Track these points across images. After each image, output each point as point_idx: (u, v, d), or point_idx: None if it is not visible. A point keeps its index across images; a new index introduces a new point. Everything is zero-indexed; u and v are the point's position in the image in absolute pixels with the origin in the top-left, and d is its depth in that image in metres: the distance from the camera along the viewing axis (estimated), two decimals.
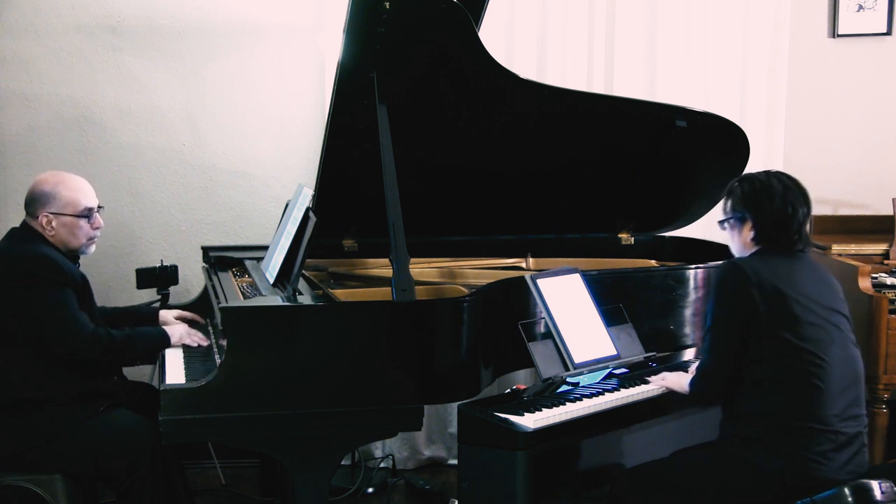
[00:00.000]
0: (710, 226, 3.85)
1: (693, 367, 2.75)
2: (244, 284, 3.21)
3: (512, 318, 2.73)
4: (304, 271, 2.94)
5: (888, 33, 4.18)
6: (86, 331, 2.73)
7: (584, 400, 2.64)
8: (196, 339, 2.97)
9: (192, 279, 3.95)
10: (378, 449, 4.05)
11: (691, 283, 3.12)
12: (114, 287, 3.97)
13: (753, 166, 3.23)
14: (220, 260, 3.53)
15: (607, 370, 2.79)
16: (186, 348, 2.94)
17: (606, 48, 4.08)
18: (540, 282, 2.74)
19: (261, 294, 2.90)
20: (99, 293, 3.16)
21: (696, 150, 3.43)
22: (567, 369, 2.64)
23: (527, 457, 2.42)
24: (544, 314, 2.70)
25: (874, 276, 3.44)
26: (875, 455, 3.28)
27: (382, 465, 3.96)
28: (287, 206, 3.24)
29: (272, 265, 3.01)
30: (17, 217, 3.14)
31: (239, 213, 4.05)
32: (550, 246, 3.67)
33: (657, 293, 3.07)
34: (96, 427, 2.75)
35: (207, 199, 4.03)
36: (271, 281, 2.94)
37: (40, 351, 2.73)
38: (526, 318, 2.79)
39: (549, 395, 2.65)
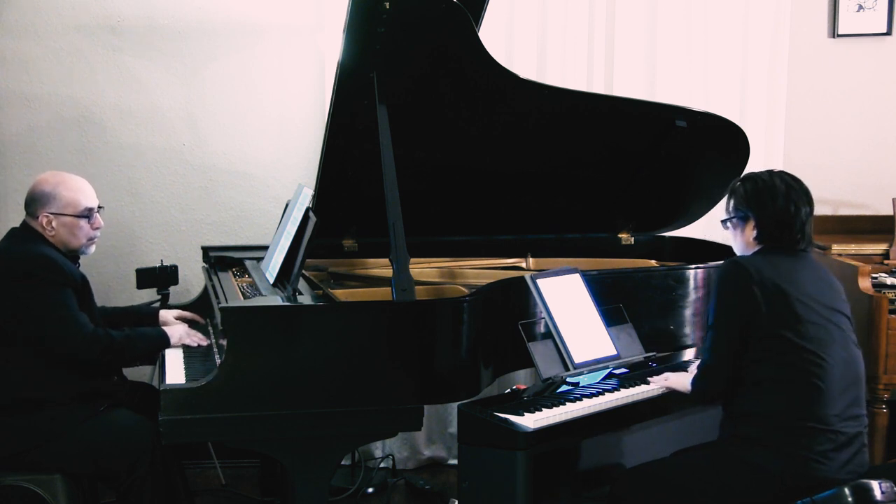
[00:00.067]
0: (709, 226, 3.86)
1: (694, 367, 2.75)
2: (244, 284, 3.21)
3: (512, 318, 2.73)
4: (304, 271, 2.94)
5: (888, 33, 4.18)
6: (86, 331, 2.73)
7: (584, 400, 2.64)
8: (196, 339, 2.97)
9: (192, 279, 3.95)
10: (378, 449, 4.05)
11: (691, 283, 3.12)
12: (114, 287, 3.97)
13: (753, 166, 3.23)
14: (220, 260, 3.53)
15: (607, 370, 2.79)
16: (186, 348, 2.93)
17: (606, 48, 4.08)
18: (540, 282, 2.74)
19: (261, 294, 2.90)
20: (99, 293, 3.16)
21: (696, 150, 3.43)
22: (567, 369, 2.64)
23: (527, 457, 2.42)
24: (544, 314, 2.70)
25: (874, 276, 3.44)
26: (875, 455, 3.28)
27: (382, 465, 3.96)
28: (287, 206, 3.24)
29: (272, 265, 3.01)
30: (17, 217, 3.14)
31: (239, 213, 4.05)
32: (550, 246, 3.67)
33: (657, 293, 3.07)
34: (96, 427, 2.75)
35: (207, 199, 4.03)
36: (271, 281, 2.94)
37: (40, 351, 2.73)
38: (526, 318, 2.79)
39: (549, 395, 2.65)
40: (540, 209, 3.54)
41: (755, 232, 2.50)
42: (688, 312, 3.11)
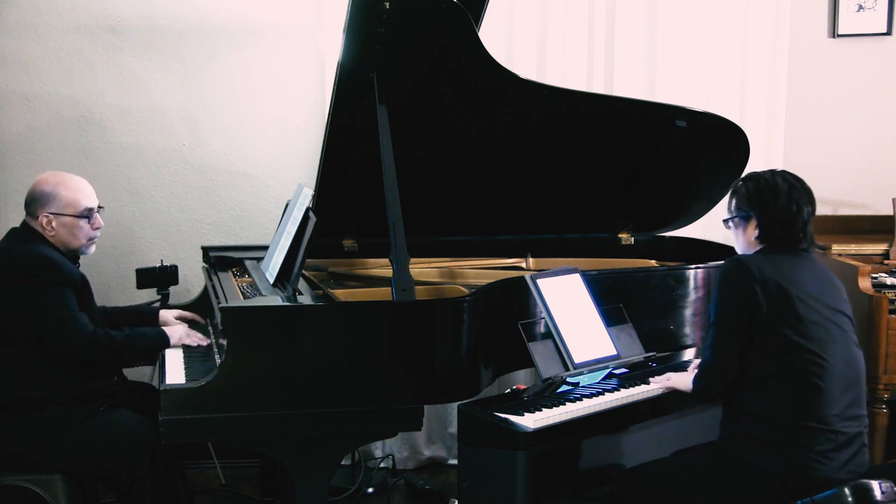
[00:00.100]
0: (710, 226, 3.86)
1: (694, 366, 2.75)
2: (244, 284, 3.21)
3: (512, 318, 2.73)
4: (304, 271, 2.94)
5: (888, 33, 4.18)
6: (85, 331, 2.73)
7: (584, 400, 2.64)
8: (196, 339, 2.97)
9: (192, 279, 3.95)
10: (378, 449, 4.05)
11: (691, 283, 3.12)
12: (114, 287, 3.97)
13: (753, 166, 3.23)
14: (220, 260, 3.53)
15: (607, 370, 2.79)
16: (186, 348, 2.93)
17: (606, 48, 4.08)
18: (540, 282, 2.74)
19: (261, 294, 2.90)
20: (99, 293, 3.16)
21: (696, 150, 3.43)
22: (567, 369, 2.64)
23: (527, 457, 2.42)
24: (544, 314, 2.70)
25: (874, 276, 3.44)
26: (875, 455, 3.28)
27: (382, 465, 3.96)
28: (287, 206, 3.24)
29: (272, 265, 3.01)
30: (17, 217, 3.15)
31: (239, 213, 4.05)
32: (550, 246, 3.67)
33: (657, 293, 3.07)
34: (96, 427, 2.75)
35: (207, 199, 4.03)
36: (271, 281, 2.94)
37: (40, 351, 2.73)
38: (526, 318, 2.79)
39: (549, 395, 2.65)
40: (540, 209, 3.54)
41: (757, 231, 2.50)
42: (688, 312, 3.11)
